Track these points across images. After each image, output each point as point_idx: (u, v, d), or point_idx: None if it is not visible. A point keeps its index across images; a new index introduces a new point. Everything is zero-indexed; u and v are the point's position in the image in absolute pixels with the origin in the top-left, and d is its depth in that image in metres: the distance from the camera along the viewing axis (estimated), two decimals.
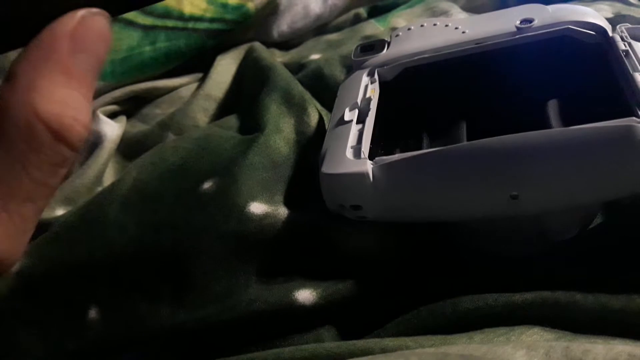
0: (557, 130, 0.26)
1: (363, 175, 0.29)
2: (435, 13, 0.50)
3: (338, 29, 0.56)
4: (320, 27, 0.58)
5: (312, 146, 0.37)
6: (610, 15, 0.49)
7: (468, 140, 0.32)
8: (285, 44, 0.56)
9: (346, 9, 0.58)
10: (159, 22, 0.49)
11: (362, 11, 0.57)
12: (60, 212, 0.41)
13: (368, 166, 0.29)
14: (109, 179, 0.46)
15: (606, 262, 0.29)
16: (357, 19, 0.57)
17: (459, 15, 0.48)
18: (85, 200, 0.41)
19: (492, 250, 0.32)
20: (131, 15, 0.49)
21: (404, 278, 0.32)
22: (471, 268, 0.31)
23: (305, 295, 0.31)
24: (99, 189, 0.44)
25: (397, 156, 0.29)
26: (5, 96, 0.18)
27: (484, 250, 0.32)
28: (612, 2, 0.52)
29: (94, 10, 0.20)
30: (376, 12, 0.56)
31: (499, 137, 0.27)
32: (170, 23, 0.50)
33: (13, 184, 0.18)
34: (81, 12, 0.19)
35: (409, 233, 0.32)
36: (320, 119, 0.40)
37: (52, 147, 0.18)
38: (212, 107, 0.48)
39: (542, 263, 0.30)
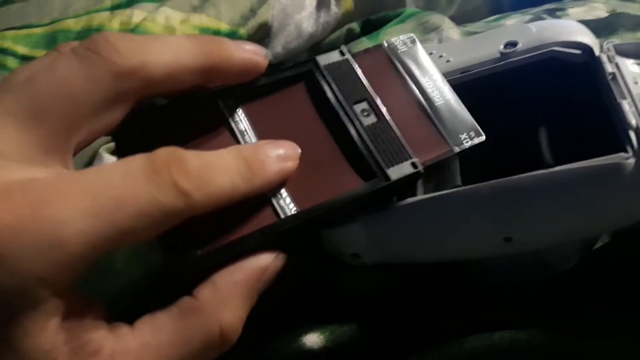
0: (545, 172, 0.26)
1: (358, 227, 0.29)
2: (426, 29, 0.49)
3: (331, 46, 0.56)
4: (314, 46, 0.57)
5: None
6: (605, 14, 0.48)
7: (461, 174, 0.32)
8: (280, 65, 0.56)
9: (339, 25, 0.57)
10: None
11: (355, 26, 0.57)
12: None
13: (362, 217, 0.29)
14: None
15: (609, 292, 0.29)
16: (350, 35, 0.56)
17: (450, 30, 0.48)
18: None
19: (494, 281, 0.32)
20: None
21: (409, 316, 0.32)
22: (474, 300, 0.31)
23: (313, 339, 0.31)
24: None
25: (389, 204, 0.29)
26: (203, 299, 0.23)
27: (485, 281, 0.32)
28: None
29: (282, 255, 0.25)
30: (369, 26, 0.56)
31: (488, 182, 0.27)
32: None
33: None
34: (280, 256, 0.25)
35: (411, 271, 0.32)
36: None
37: (216, 349, 0.23)
38: None
39: (545, 294, 0.30)
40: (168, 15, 0.49)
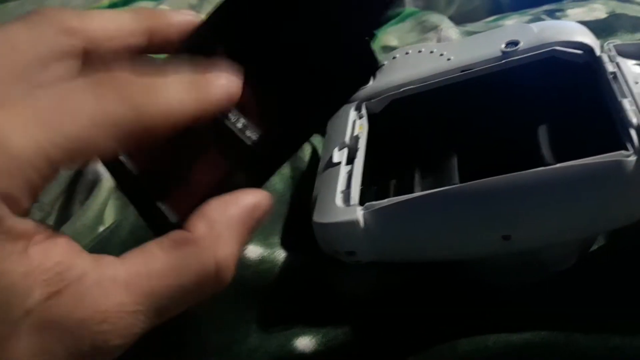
0: (545, 170, 0.26)
1: (354, 223, 0.29)
2: (425, 28, 0.49)
3: None
4: None
5: (306, 181, 0.37)
6: (604, 15, 0.48)
7: (460, 173, 0.31)
8: None
9: None
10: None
11: None
12: None
13: (358, 213, 0.29)
14: (110, 216, 0.46)
15: (605, 294, 0.29)
16: None
17: (448, 29, 0.48)
18: (86, 244, 0.41)
19: (491, 281, 0.32)
20: None
21: (404, 319, 0.31)
22: (470, 301, 0.31)
23: (304, 342, 0.31)
24: (101, 228, 0.44)
25: (386, 201, 0.29)
26: (198, 233, 0.22)
27: (482, 281, 0.32)
28: (606, 0, 0.51)
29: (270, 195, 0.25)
30: None
31: (487, 179, 0.26)
32: (163, 56, 0.49)
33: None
34: (269, 195, 0.25)
35: (406, 270, 0.32)
36: (314, 151, 0.39)
37: (211, 286, 0.22)
38: None
39: (541, 295, 0.30)
40: None
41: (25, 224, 0.19)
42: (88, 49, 0.24)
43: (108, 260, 0.21)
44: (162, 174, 0.26)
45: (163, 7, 0.49)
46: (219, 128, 0.25)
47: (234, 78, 0.24)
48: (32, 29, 0.23)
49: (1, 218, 0.18)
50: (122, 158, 0.27)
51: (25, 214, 0.19)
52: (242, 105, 0.25)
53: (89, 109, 0.19)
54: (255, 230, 0.24)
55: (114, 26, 0.25)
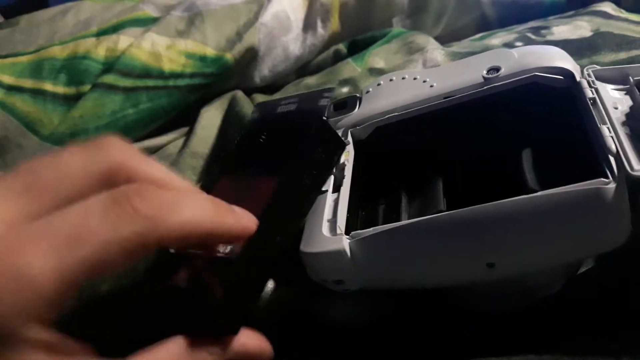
0: (527, 198, 0.26)
1: (340, 253, 0.29)
2: (411, 49, 0.49)
3: (319, 67, 0.56)
4: (302, 67, 0.58)
5: None
6: (589, 33, 0.48)
7: (445, 197, 0.32)
8: (268, 88, 0.56)
9: (325, 47, 0.57)
10: (139, 82, 0.49)
11: (342, 47, 0.57)
12: None
13: (344, 243, 0.29)
14: None
15: (592, 317, 0.29)
16: (337, 56, 0.56)
17: (434, 51, 0.48)
18: None
19: (479, 307, 0.32)
20: (111, 79, 0.49)
21: (393, 346, 0.32)
22: (458, 327, 0.31)
23: None
24: None
25: (371, 230, 0.29)
26: None
27: (470, 307, 0.32)
28: (591, 17, 0.51)
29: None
30: (355, 47, 0.56)
31: (471, 207, 0.27)
32: (150, 83, 0.50)
33: None
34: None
35: (395, 297, 0.32)
36: None
37: None
38: (199, 164, 0.48)
39: (529, 320, 0.30)
40: (154, 40, 0.50)
41: (45, 339, 0.21)
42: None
43: None
44: None
45: (150, 34, 0.50)
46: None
47: (252, 218, 0.26)
48: (87, 161, 0.23)
49: (26, 337, 0.20)
50: None
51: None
52: None
53: (102, 231, 0.21)
54: None
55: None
